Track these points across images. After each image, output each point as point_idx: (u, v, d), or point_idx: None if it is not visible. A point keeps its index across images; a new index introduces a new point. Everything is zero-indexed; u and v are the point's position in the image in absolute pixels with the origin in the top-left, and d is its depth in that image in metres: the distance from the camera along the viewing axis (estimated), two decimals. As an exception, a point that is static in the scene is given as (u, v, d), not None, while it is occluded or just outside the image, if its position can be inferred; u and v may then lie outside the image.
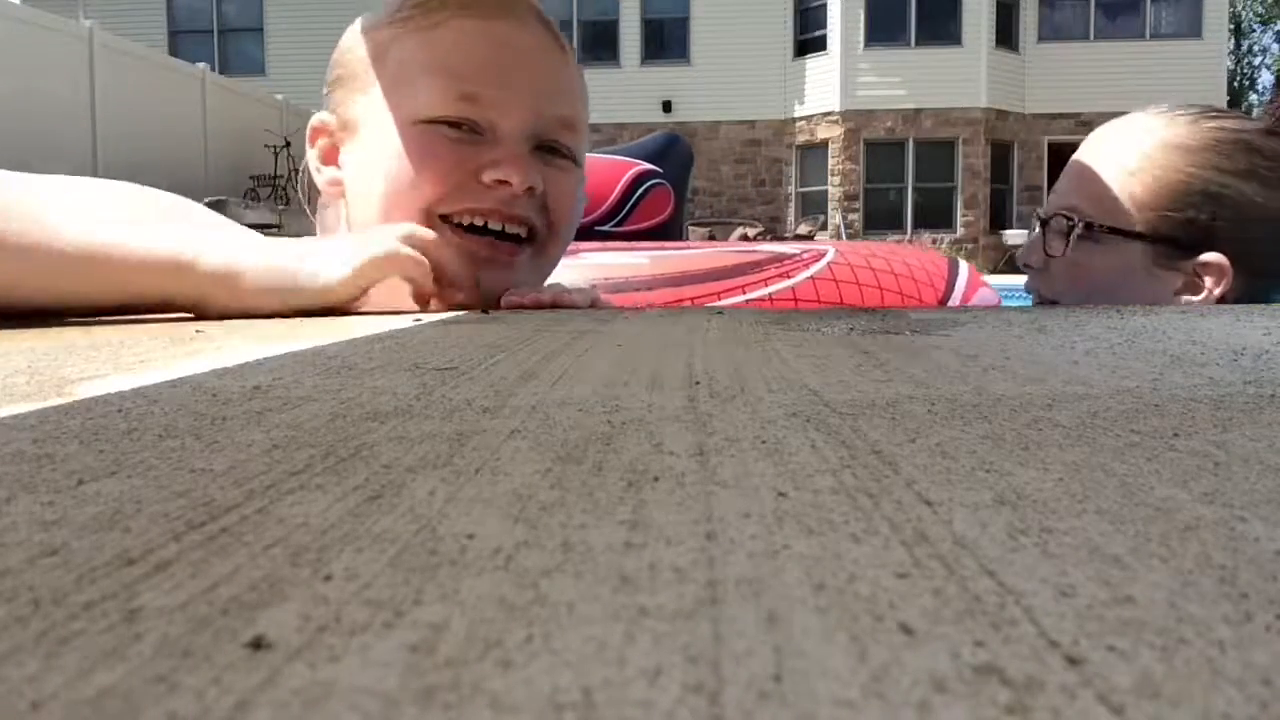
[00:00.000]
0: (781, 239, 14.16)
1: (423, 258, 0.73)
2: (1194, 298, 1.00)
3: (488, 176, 0.79)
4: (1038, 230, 1.11)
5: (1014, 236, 13.96)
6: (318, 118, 0.88)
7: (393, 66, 0.82)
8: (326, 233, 0.90)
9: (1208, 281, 0.99)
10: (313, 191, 0.90)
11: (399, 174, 0.79)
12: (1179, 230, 0.99)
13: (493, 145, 0.80)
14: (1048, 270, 1.09)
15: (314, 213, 0.93)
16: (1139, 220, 1.01)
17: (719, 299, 1.98)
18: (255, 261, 0.71)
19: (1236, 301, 0.99)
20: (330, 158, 0.87)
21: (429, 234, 0.75)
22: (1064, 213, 1.06)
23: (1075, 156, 1.11)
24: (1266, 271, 1.01)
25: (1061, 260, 1.06)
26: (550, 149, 0.85)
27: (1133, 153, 1.03)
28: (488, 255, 0.81)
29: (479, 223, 0.80)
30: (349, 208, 0.85)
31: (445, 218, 0.80)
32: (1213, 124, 1.02)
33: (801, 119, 14.63)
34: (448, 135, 0.80)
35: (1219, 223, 0.99)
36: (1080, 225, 1.04)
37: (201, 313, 0.71)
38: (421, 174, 0.79)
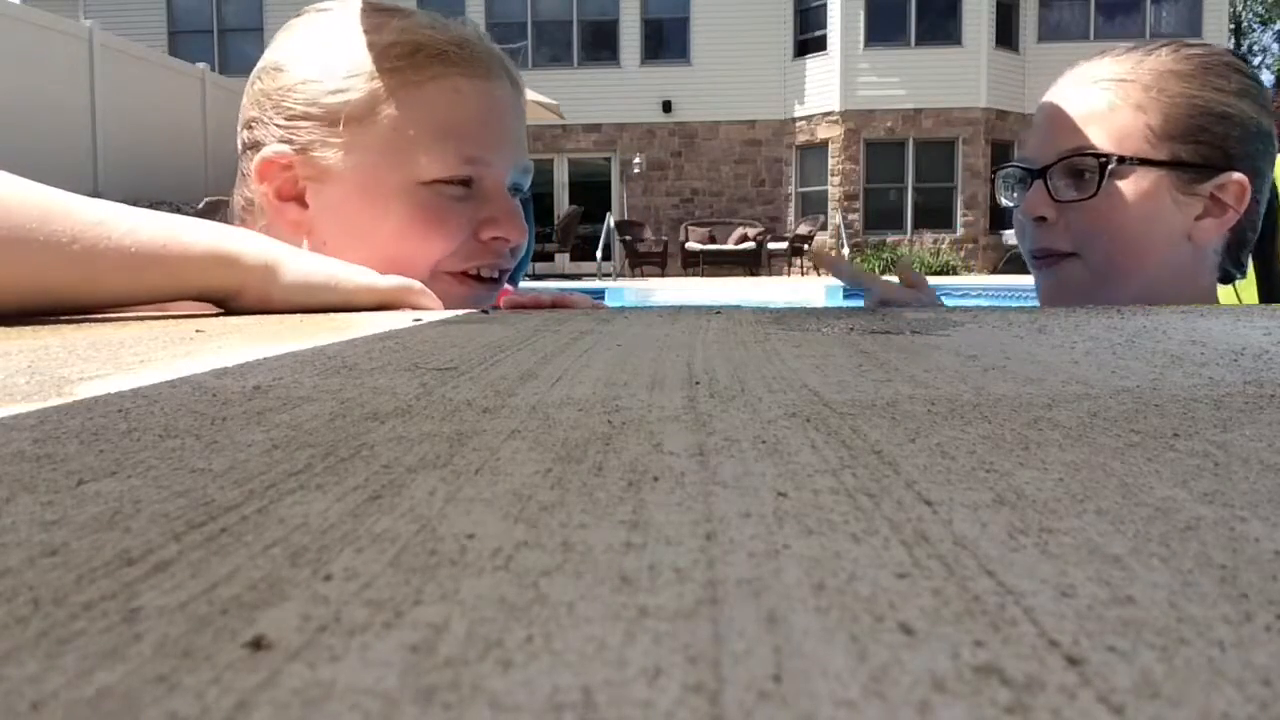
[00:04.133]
0: (782, 239, 14.17)
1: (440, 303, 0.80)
2: (1216, 220, 1.02)
3: (486, 234, 0.85)
4: (1034, 183, 1.08)
5: (1014, 236, 13.94)
6: (274, 149, 0.85)
7: (386, 124, 0.83)
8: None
9: (1229, 200, 1.01)
10: (245, 216, 0.90)
11: (407, 232, 0.83)
12: (1199, 154, 1.01)
13: (482, 200, 0.86)
14: (1060, 221, 1.06)
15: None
16: (1162, 150, 1.01)
17: None
18: (294, 256, 0.76)
19: (1242, 226, 1.03)
20: (290, 194, 0.86)
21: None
22: (1086, 153, 1.03)
23: (1053, 106, 1.08)
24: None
25: (1082, 205, 1.03)
26: (515, 190, 0.91)
27: (1132, 87, 1.03)
28: (481, 293, 0.88)
29: (472, 272, 0.87)
30: (316, 239, 0.85)
31: (448, 272, 0.86)
32: (1193, 50, 1.05)
33: (801, 119, 14.63)
34: (452, 195, 0.84)
35: (1231, 142, 1.01)
36: (1114, 160, 1.01)
37: (236, 303, 0.74)
38: (432, 235, 0.84)
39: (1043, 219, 1.07)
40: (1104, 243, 1.03)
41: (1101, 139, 1.03)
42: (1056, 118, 1.07)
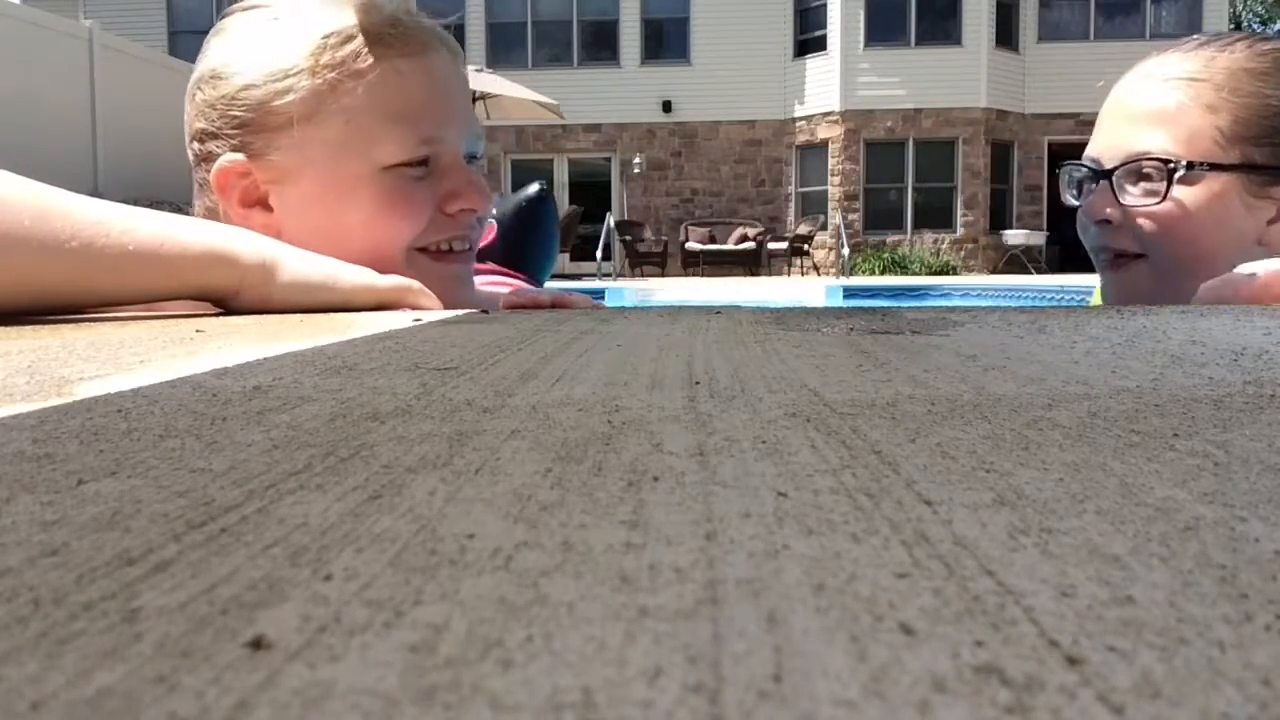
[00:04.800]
0: (782, 239, 14.17)
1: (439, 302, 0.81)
2: None
3: (452, 208, 0.86)
4: (1100, 184, 1.04)
5: (1014, 236, 13.97)
6: (229, 159, 0.84)
7: (337, 117, 0.83)
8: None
9: None
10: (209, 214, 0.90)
11: (374, 219, 0.84)
12: (1274, 156, 0.98)
13: (441, 175, 0.87)
14: (1126, 222, 1.02)
15: None
16: (1233, 153, 0.98)
17: None
18: (293, 255, 0.76)
19: None
20: (253, 200, 0.85)
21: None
22: (1155, 157, 0.99)
23: (1121, 104, 1.05)
24: None
25: (1151, 209, 1.00)
26: (470, 158, 0.92)
27: (1204, 87, 0.99)
28: (459, 271, 0.89)
29: (444, 247, 0.88)
30: (287, 237, 0.84)
31: (421, 249, 0.87)
32: (1268, 46, 1.01)
33: (801, 119, 14.63)
34: (413, 176, 0.85)
35: None
36: (1182, 166, 0.98)
37: (235, 303, 0.74)
38: (398, 217, 0.85)
39: (1108, 221, 1.04)
40: (1171, 248, 1.00)
41: (1170, 141, 1.00)
42: (1124, 116, 1.04)
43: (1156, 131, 1.01)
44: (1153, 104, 1.02)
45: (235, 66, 0.85)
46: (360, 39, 0.84)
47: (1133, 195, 1.02)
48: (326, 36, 0.84)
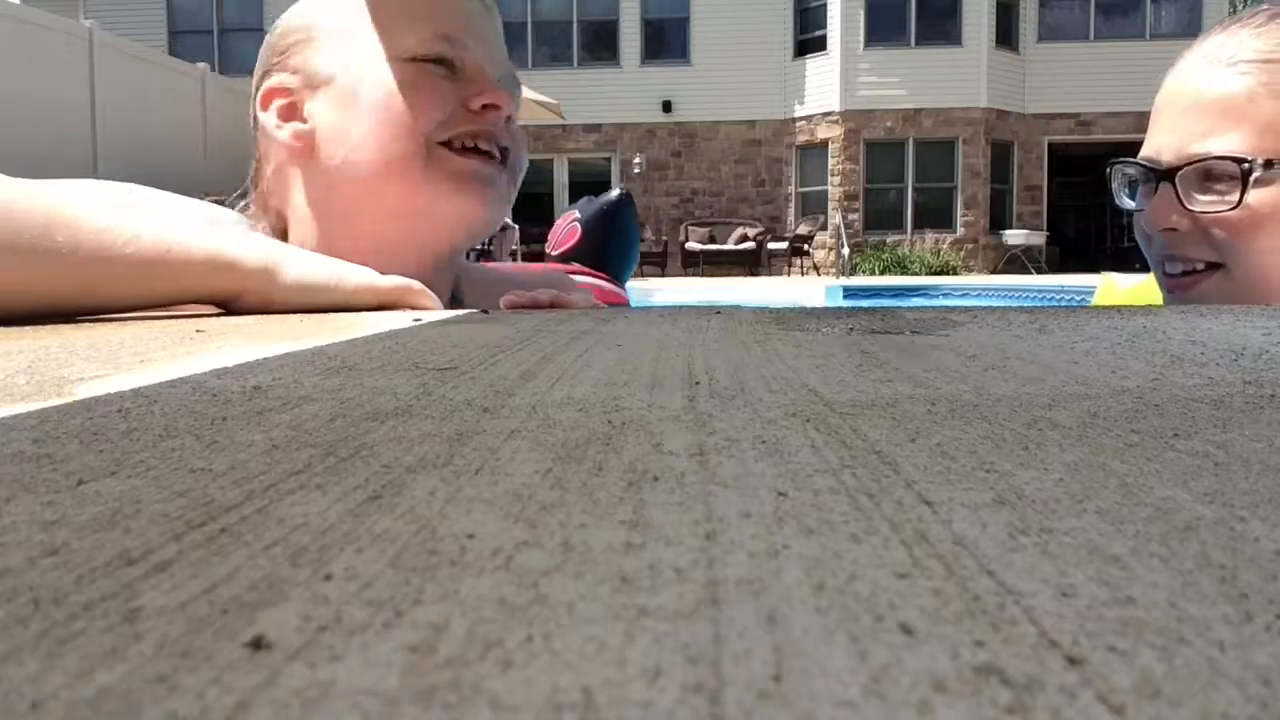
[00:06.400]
0: (782, 239, 14.17)
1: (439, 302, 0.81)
2: None
3: (475, 103, 0.88)
4: (1161, 186, 0.91)
5: (1014, 236, 13.96)
6: (274, 79, 0.91)
7: (363, 16, 0.89)
8: (279, 202, 0.93)
9: None
10: (259, 179, 0.95)
11: (394, 106, 0.86)
12: None
13: (467, 81, 0.89)
14: (1195, 229, 0.90)
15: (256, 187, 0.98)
16: None
17: None
18: (295, 257, 0.78)
19: None
20: (291, 115, 0.91)
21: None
22: (1226, 156, 0.87)
23: (1182, 93, 0.92)
24: None
25: (1224, 215, 0.87)
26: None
27: (1278, 69, 0.86)
28: (483, 170, 0.89)
29: (469, 144, 0.89)
30: (320, 158, 0.89)
31: (443, 144, 0.88)
32: None
33: (801, 119, 14.63)
34: (434, 71, 0.88)
35: None
36: (1258, 165, 0.85)
37: (236, 306, 0.76)
38: (419, 105, 0.86)
39: (1174, 229, 0.91)
40: (1253, 257, 0.88)
41: (1241, 137, 0.87)
42: (1185, 108, 0.91)
43: (1225, 125, 0.88)
44: (1219, 93, 0.88)
45: (289, 13, 0.95)
46: None
47: (1201, 200, 0.89)
48: None
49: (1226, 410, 0.32)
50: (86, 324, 0.66)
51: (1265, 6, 0.93)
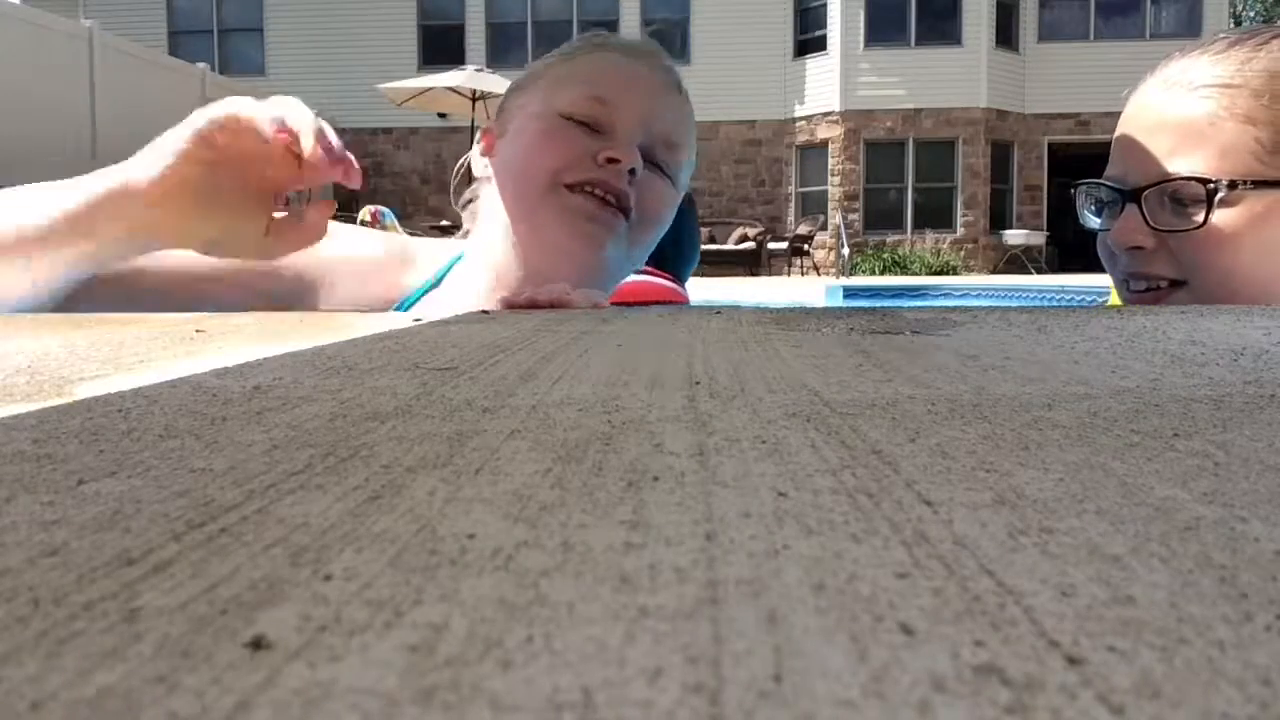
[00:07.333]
0: (782, 239, 14.17)
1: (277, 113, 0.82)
2: None
3: (600, 156, 0.98)
4: (1127, 206, 0.94)
5: (1014, 236, 13.96)
6: (489, 125, 1.11)
7: (545, 81, 1.06)
8: (476, 220, 1.10)
9: None
10: (461, 187, 1.14)
11: (532, 151, 1.01)
12: None
13: (607, 140, 1.00)
14: (1161, 248, 0.92)
15: (459, 204, 1.17)
16: (1277, 167, 0.88)
17: None
18: (135, 160, 0.81)
19: None
20: (488, 152, 1.09)
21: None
22: (1189, 178, 0.89)
23: (1146, 116, 0.95)
24: None
25: (1189, 234, 0.89)
26: (652, 161, 1.03)
27: (1239, 94, 0.89)
28: (597, 213, 0.98)
29: (588, 188, 0.99)
30: (496, 186, 1.05)
31: (567, 186, 0.98)
32: None
33: (801, 119, 14.63)
34: (580, 130, 0.99)
35: None
36: (1223, 187, 0.88)
37: (148, 235, 0.79)
38: (550, 151, 0.99)
39: (1139, 248, 0.94)
40: (1216, 275, 0.90)
41: (1204, 159, 0.89)
42: (1149, 131, 0.94)
43: (1188, 147, 0.90)
44: (1181, 116, 0.91)
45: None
46: (593, 40, 1.09)
47: (1166, 220, 0.91)
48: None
49: (1226, 410, 0.32)
50: (86, 324, 0.66)
51: (1223, 33, 0.96)
